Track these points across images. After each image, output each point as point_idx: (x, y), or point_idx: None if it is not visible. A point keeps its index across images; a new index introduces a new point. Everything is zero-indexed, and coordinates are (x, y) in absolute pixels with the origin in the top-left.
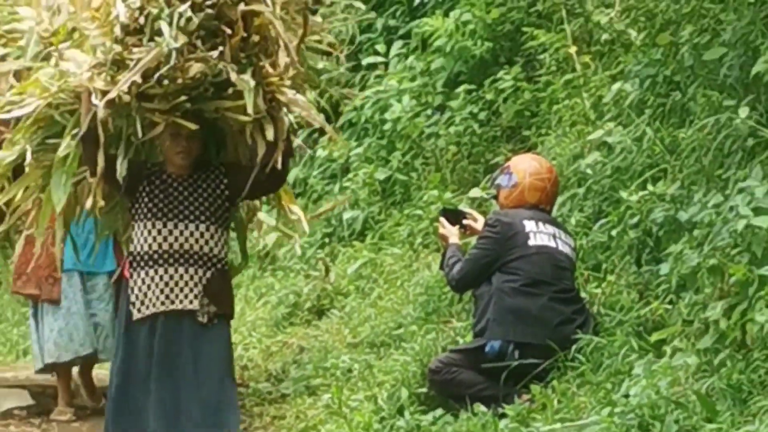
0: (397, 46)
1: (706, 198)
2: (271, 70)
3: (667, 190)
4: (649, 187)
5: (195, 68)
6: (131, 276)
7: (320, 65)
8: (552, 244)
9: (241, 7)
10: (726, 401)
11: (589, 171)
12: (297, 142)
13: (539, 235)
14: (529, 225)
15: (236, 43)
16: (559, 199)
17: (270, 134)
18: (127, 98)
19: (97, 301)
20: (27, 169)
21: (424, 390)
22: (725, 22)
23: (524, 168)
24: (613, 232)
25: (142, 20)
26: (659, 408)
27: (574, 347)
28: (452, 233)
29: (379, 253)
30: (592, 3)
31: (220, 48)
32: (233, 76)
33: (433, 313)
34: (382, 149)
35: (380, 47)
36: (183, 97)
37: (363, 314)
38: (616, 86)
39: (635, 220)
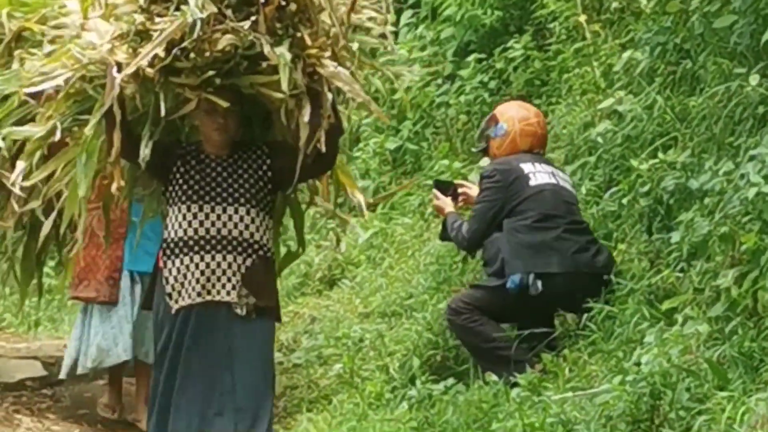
0: (406, 16)
1: (717, 166)
2: (310, 41)
3: (677, 159)
4: (660, 155)
5: (224, 40)
6: (165, 265)
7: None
8: (553, 180)
9: None
10: (737, 369)
11: (599, 140)
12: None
13: (538, 174)
14: (527, 167)
15: (271, 13)
16: (570, 168)
17: (306, 113)
18: (150, 72)
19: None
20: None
21: (438, 358)
22: None
23: (512, 115)
24: (624, 201)
25: None
26: (671, 376)
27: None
28: (447, 204)
29: (390, 223)
30: None
31: (253, 18)
32: (267, 49)
33: (444, 283)
34: (393, 119)
35: (390, 16)
36: (212, 72)
37: (374, 284)
38: (626, 54)
39: (646, 188)
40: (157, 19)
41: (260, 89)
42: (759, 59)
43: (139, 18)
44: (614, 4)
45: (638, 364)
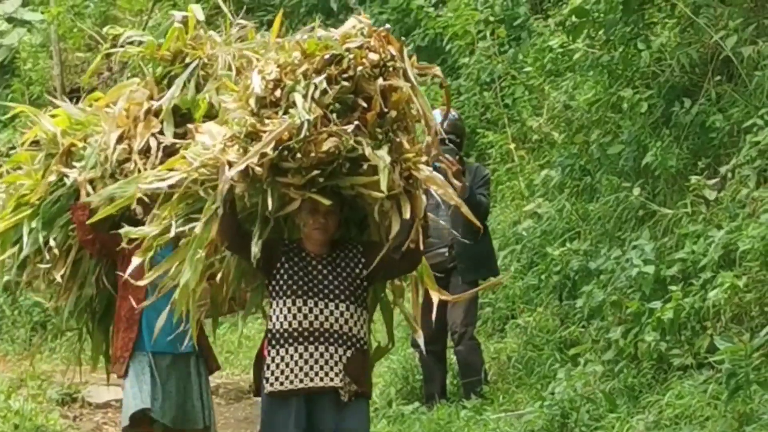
0: None
1: (609, 252)
2: (408, 146)
3: (580, 247)
4: (568, 244)
5: (329, 142)
6: (269, 353)
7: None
8: None
9: (380, 82)
10: (623, 398)
11: (524, 233)
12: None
13: None
14: None
15: (373, 118)
16: (502, 253)
17: (407, 212)
18: (259, 170)
19: (180, 380)
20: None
21: (408, 388)
22: (623, 127)
23: None
24: (542, 277)
25: (278, 93)
26: (575, 402)
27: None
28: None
29: None
30: (526, 112)
31: (356, 122)
32: (368, 152)
33: (409, 335)
34: None
35: None
36: (316, 172)
37: None
38: (543, 172)
39: (558, 268)
40: (266, 121)
41: (360, 189)
42: (639, 176)
43: (250, 120)
44: (535, 137)
45: (552, 393)
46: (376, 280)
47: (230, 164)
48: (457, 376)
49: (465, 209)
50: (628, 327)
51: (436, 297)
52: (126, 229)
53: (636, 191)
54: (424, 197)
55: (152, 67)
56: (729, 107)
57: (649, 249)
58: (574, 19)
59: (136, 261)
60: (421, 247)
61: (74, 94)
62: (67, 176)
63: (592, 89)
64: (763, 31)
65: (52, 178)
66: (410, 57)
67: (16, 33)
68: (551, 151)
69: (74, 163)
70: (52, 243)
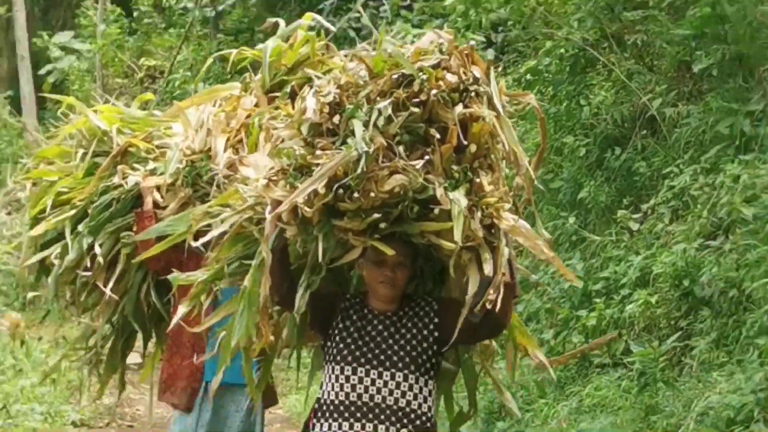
0: None
1: (547, 268)
2: (489, 188)
3: (523, 262)
4: None
5: (393, 180)
6: (313, 427)
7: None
8: None
9: (459, 109)
10: (551, 386)
11: None
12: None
13: None
14: None
15: (448, 153)
16: None
17: (488, 267)
18: (307, 212)
19: (234, 413)
20: None
21: None
22: (563, 167)
23: None
24: None
25: (336, 119)
26: (511, 389)
27: None
28: None
29: None
30: None
31: (427, 157)
32: (439, 193)
33: None
34: None
35: None
36: (377, 215)
37: None
38: None
39: None
40: (318, 152)
41: (431, 238)
42: (574, 208)
43: (300, 151)
44: None
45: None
46: (451, 347)
47: (275, 203)
48: None
49: (558, 262)
50: (559, 330)
51: (541, 356)
52: (175, 275)
53: (571, 220)
54: (506, 250)
55: (264, 74)
56: (651, 156)
57: (580, 268)
58: (528, 76)
59: (181, 310)
60: (506, 310)
61: None
62: (125, 179)
63: (539, 135)
64: (683, 96)
65: (116, 179)
66: (498, 82)
67: (68, 59)
68: None
69: (136, 165)
70: (98, 250)
